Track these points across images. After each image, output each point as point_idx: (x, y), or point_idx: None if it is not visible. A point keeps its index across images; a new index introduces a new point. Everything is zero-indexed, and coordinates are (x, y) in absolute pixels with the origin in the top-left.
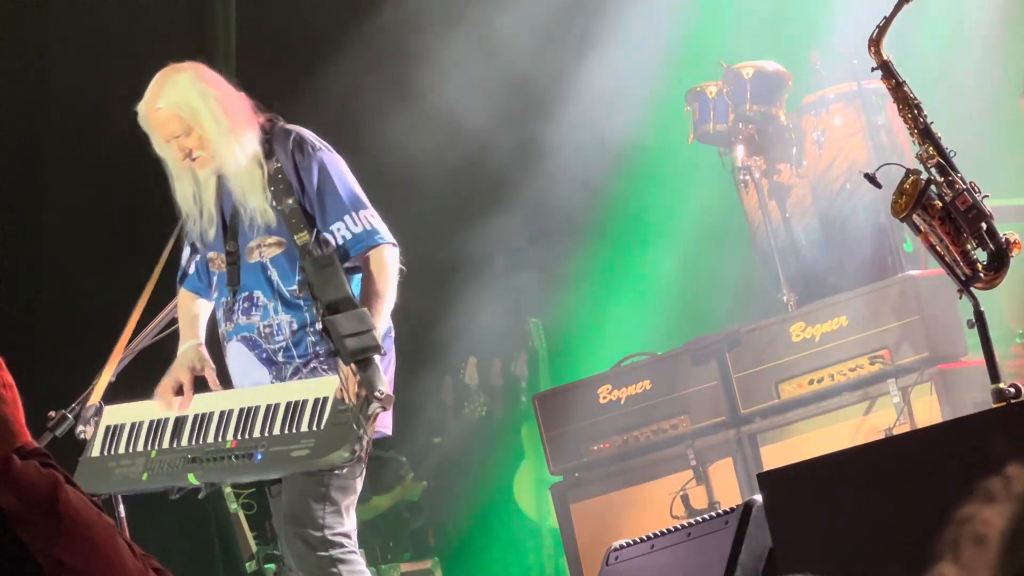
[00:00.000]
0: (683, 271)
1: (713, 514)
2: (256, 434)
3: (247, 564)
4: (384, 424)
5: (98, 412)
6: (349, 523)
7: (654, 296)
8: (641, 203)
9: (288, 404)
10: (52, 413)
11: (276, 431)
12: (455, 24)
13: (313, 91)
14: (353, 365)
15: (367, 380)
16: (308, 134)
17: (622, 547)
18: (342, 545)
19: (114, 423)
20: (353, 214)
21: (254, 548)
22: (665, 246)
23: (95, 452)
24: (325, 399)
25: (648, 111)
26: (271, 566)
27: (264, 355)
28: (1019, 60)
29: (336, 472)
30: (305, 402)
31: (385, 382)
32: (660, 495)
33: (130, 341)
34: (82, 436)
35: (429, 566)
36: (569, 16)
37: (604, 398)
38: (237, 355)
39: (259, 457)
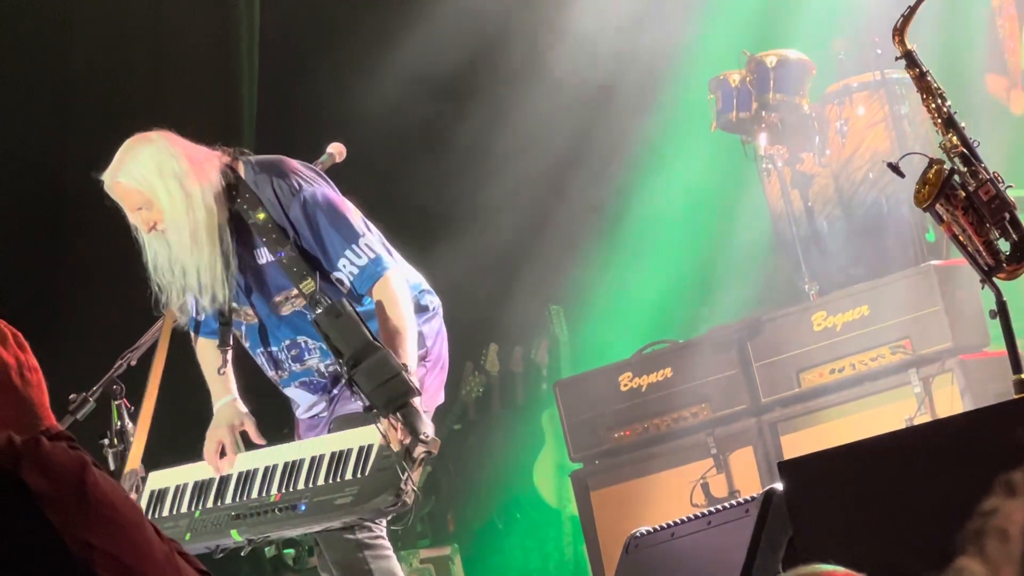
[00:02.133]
0: (705, 260)
1: (733, 502)
2: (300, 486)
3: (266, 549)
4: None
5: (141, 478)
6: None
7: (675, 284)
8: (663, 191)
9: (333, 455)
10: (73, 396)
11: (320, 481)
12: (479, 40)
13: (337, 100)
14: (392, 415)
15: (409, 426)
16: (288, 169)
17: (642, 534)
18: (370, 530)
19: (158, 487)
20: (353, 247)
21: None
22: (687, 234)
23: None
24: (370, 446)
25: (670, 97)
26: (290, 551)
27: (324, 385)
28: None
29: (379, 521)
30: (350, 451)
31: (429, 424)
32: (680, 483)
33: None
34: None
35: (448, 553)
36: (587, 6)
37: (625, 385)
38: (297, 397)
39: (303, 508)
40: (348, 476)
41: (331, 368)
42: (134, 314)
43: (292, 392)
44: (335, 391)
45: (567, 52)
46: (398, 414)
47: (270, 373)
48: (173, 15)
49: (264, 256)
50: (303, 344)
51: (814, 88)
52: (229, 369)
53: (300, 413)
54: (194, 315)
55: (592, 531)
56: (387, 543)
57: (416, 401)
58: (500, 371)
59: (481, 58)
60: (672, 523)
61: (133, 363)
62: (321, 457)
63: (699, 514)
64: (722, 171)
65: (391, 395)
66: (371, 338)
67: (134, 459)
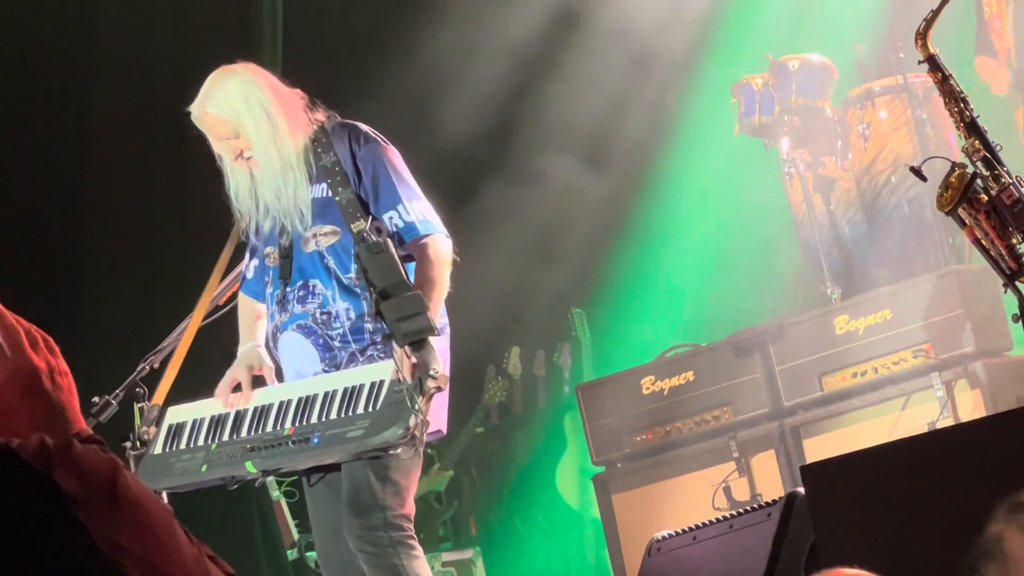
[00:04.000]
0: (727, 263)
1: (755, 506)
2: (314, 420)
3: (288, 552)
4: (440, 421)
5: (161, 413)
6: (409, 506)
7: (698, 287)
8: (685, 195)
9: (346, 390)
10: (96, 399)
11: (333, 415)
12: (496, 20)
13: (359, 84)
14: (408, 347)
15: (422, 360)
16: (365, 127)
17: (664, 538)
18: (402, 528)
19: (176, 421)
20: (406, 203)
21: (296, 536)
22: (709, 238)
23: (157, 450)
24: (382, 382)
25: (692, 102)
26: (313, 554)
27: (320, 341)
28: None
29: (392, 452)
30: (362, 386)
31: (440, 362)
32: (702, 486)
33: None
34: (145, 437)
35: (470, 556)
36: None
37: (647, 389)
38: (291, 345)
39: (315, 440)
40: (360, 410)
41: (323, 316)
42: (156, 316)
43: (288, 338)
44: (341, 361)
45: (587, 54)
46: (413, 347)
47: (272, 323)
48: None
49: (320, 191)
50: (311, 287)
51: (836, 92)
52: (263, 317)
53: (291, 373)
54: (243, 271)
55: (614, 534)
56: (417, 543)
57: (433, 340)
58: (522, 374)
59: (500, 61)
60: (694, 526)
61: (155, 365)
62: (334, 392)
63: (721, 518)
64: (744, 175)
65: (414, 327)
66: (406, 279)
67: (158, 395)
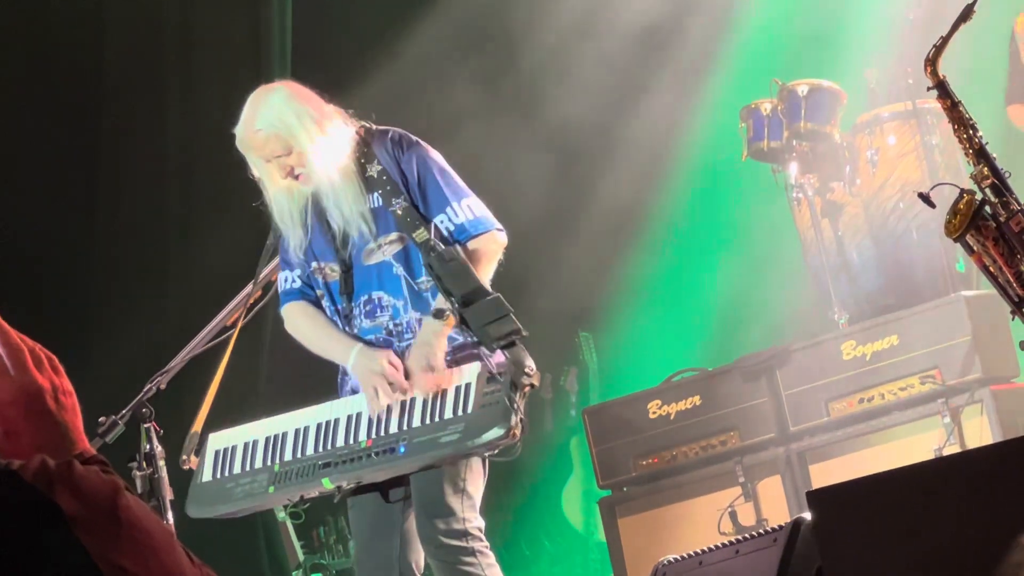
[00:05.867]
0: (735, 288)
1: (761, 531)
2: (393, 430)
3: (294, 573)
4: None
5: (202, 441)
6: (480, 517)
7: (705, 312)
8: (693, 220)
9: (425, 399)
10: (103, 419)
11: (416, 423)
12: (506, 43)
13: (368, 95)
14: (500, 350)
15: (516, 360)
16: (402, 131)
17: (670, 563)
18: (480, 539)
19: (224, 447)
20: (455, 204)
21: (301, 557)
22: (717, 263)
23: (206, 477)
24: (468, 385)
25: (701, 128)
26: (317, 575)
27: (390, 344)
28: (991, 56)
29: (488, 453)
30: (444, 392)
31: (530, 359)
32: (708, 511)
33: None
34: (186, 467)
35: None
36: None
37: (654, 413)
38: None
39: (402, 450)
40: (448, 415)
41: (398, 328)
42: (165, 336)
43: None
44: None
45: (593, 82)
46: (504, 350)
47: None
48: None
49: (375, 201)
50: (377, 300)
51: (845, 117)
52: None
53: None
54: (286, 287)
55: (619, 558)
56: (492, 553)
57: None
58: (529, 397)
59: (498, 79)
60: (700, 551)
61: (163, 387)
62: (412, 401)
63: (727, 543)
64: (753, 200)
65: (500, 332)
66: (483, 284)
67: (198, 422)
